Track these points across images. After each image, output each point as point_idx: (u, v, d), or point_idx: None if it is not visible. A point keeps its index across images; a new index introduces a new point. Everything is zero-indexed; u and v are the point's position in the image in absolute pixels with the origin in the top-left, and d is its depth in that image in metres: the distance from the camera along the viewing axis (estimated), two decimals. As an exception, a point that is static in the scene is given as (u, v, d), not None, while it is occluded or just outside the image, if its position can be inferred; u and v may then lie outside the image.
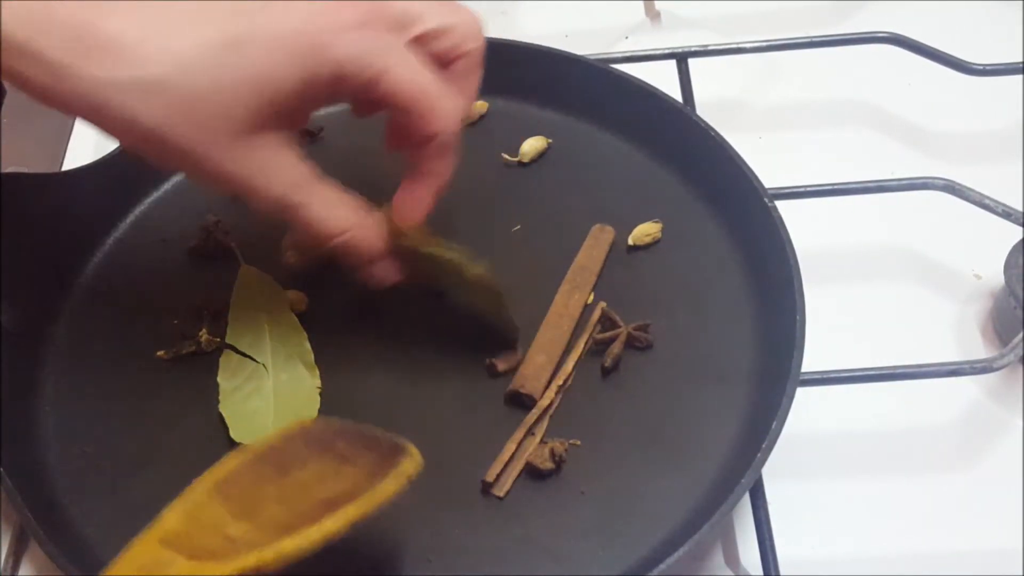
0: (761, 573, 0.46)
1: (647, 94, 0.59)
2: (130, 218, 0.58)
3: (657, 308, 0.53)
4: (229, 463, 0.42)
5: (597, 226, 0.56)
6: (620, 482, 0.48)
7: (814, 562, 0.48)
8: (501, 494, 0.47)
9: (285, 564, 0.39)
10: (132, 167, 0.58)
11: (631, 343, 0.51)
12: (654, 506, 0.47)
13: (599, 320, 0.52)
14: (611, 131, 0.60)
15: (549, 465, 0.47)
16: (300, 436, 0.44)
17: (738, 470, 0.45)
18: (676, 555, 0.43)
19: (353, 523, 0.40)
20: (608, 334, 0.51)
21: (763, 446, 0.45)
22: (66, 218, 0.55)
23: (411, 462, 0.42)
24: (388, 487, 0.41)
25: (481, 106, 0.61)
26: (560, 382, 0.50)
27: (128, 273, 0.56)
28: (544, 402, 0.49)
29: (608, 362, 0.51)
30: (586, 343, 0.51)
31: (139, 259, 0.57)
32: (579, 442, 0.48)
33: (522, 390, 0.50)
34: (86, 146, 0.65)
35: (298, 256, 0.54)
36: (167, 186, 0.59)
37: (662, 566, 0.43)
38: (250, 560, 0.38)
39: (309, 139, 0.61)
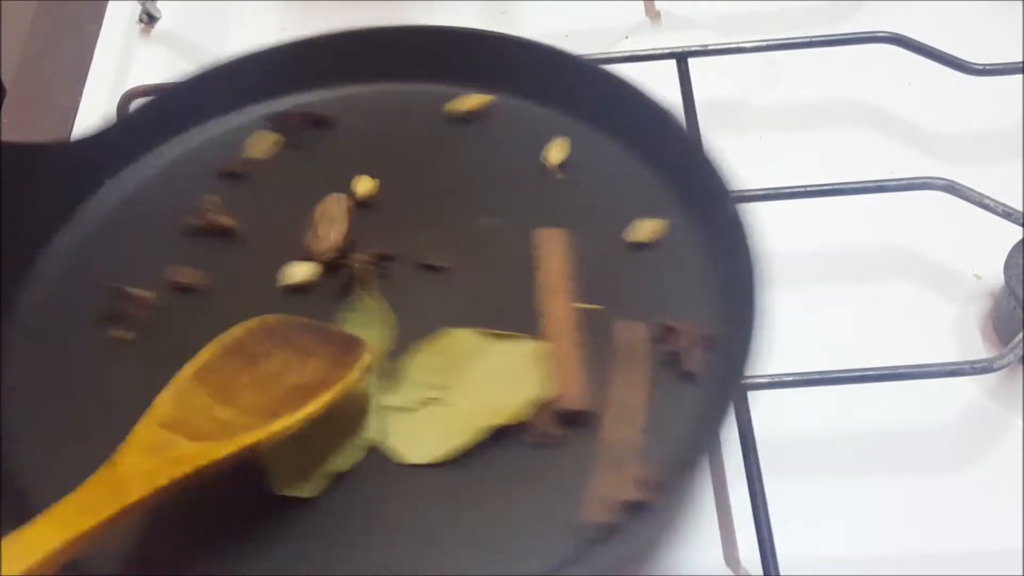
0: (761, 573, 0.46)
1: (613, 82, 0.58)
2: (119, 194, 0.57)
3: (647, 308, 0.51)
4: (204, 355, 0.46)
5: (543, 231, 0.54)
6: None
7: (814, 562, 0.48)
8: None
9: (274, 442, 0.44)
10: (117, 141, 0.57)
11: (702, 344, 0.49)
12: None
13: (657, 332, 0.50)
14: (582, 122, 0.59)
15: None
16: (262, 330, 0.48)
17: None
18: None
19: (326, 407, 0.45)
20: (680, 345, 0.49)
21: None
22: (44, 188, 0.54)
23: (369, 354, 0.47)
24: (353, 376, 0.46)
25: (484, 100, 0.61)
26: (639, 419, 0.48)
27: (112, 250, 0.55)
28: (633, 441, 0.47)
29: (693, 366, 0.48)
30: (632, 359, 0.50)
31: (128, 236, 0.56)
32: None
33: (570, 405, 0.48)
34: (86, 146, 0.65)
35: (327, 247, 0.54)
36: (161, 163, 0.59)
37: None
38: (246, 440, 0.43)
39: (324, 127, 0.60)
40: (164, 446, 0.43)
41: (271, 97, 0.61)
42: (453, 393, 0.50)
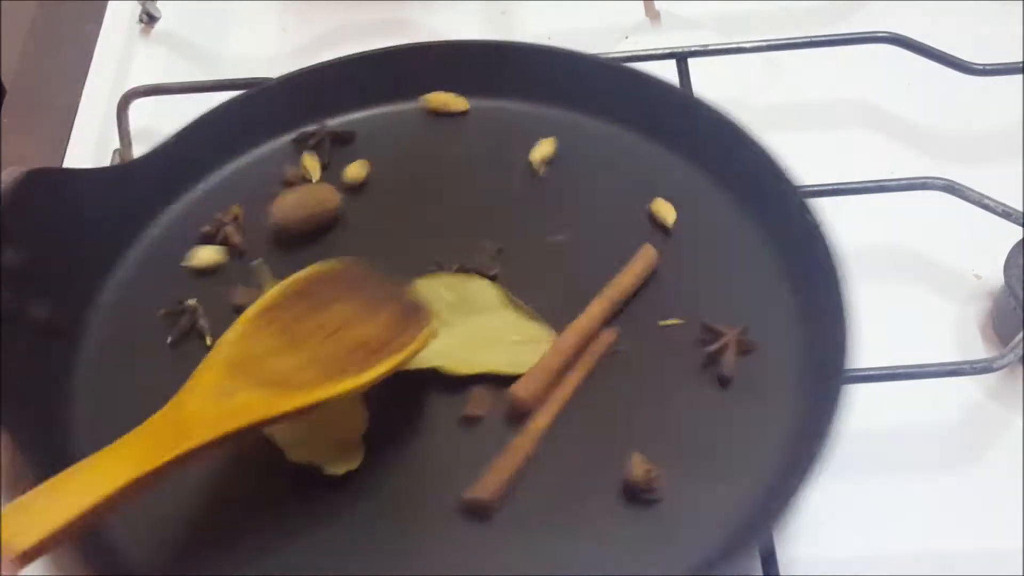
0: (761, 573, 0.46)
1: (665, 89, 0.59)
2: (170, 212, 0.58)
3: (691, 305, 0.52)
4: (270, 295, 0.46)
5: (646, 246, 0.54)
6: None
7: (814, 562, 0.48)
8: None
9: (337, 401, 0.44)
10: (172, 163, 0.58)
11: (741, 349, 0.50)
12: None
13: (704, 332, 0.50)
14: (621, 125, 0.59)
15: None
16: (330, 275, 0.48)
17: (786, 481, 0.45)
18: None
19: (391, 371, 0.45)
20: (717, 345, 0.49)
21: (815, 453, 0.44)
22: (105, 212, 0.55)
23: (435, 322, 0.47)
24: (418, 344, 0.46)
25: (462, 103, 0.61)
26: (561, 401, 0.49)
27: (162, 268, 0.56)
28: (541, 422, 0.48)
29: (726, 370, 0.49)
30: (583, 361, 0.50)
31: (175, 255, 0.56)
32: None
33: (518, 395, 0.48)
34: (86, 146, 0.65)
35: (284, 217, 0.54)
36: (207, 183, 0.59)
37: None
38: (310, 397, 0.43)
39: (341, 143, 0.60)
40: (228, 391, 0.42)
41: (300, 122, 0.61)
42: (445, 328, 0.50)
